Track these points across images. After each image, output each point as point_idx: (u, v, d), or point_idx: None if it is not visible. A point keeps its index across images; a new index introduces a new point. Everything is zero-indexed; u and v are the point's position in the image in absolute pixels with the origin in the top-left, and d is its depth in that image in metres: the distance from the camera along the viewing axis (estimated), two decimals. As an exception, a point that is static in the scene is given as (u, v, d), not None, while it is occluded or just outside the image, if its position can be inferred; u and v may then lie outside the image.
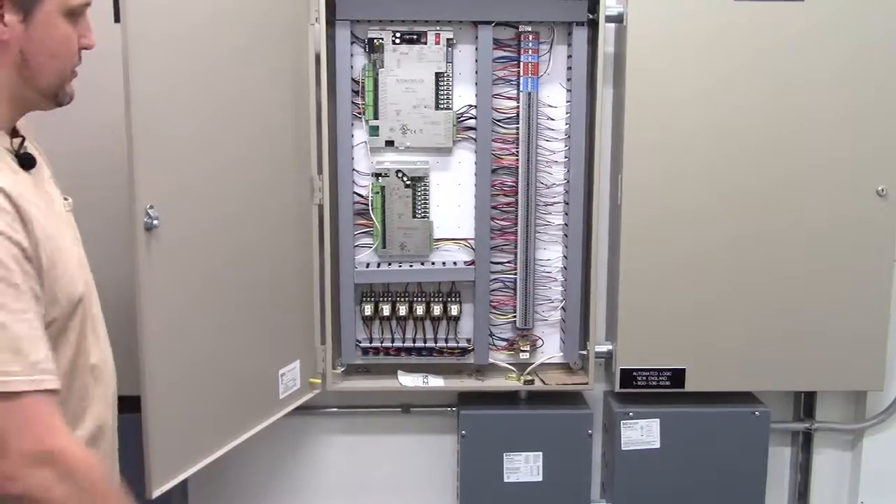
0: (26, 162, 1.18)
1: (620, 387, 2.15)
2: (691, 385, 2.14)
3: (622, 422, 2.16)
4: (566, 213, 2.17)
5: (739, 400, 2.21)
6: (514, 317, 2.21)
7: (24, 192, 1.11)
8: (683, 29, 2.02)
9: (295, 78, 2.00)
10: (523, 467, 2.18)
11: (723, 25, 2.02)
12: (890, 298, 2.13)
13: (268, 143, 1.91)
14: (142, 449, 1.59)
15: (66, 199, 1.32)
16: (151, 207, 1.56)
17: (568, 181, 2.15)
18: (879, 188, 2.07)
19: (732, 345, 2.13)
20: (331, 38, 2.05)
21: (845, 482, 2.38)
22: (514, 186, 2.15)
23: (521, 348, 2.22)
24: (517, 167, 2.13)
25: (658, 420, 2.17)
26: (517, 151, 2.13)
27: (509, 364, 2.24)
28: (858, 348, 2.13)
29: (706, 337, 2.13)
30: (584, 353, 2.20)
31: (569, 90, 2.13)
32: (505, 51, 2.11)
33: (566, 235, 2.17)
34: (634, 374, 2.14)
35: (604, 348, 2.20)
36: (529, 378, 2.21)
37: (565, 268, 2.19)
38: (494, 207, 2.16)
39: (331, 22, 2.04)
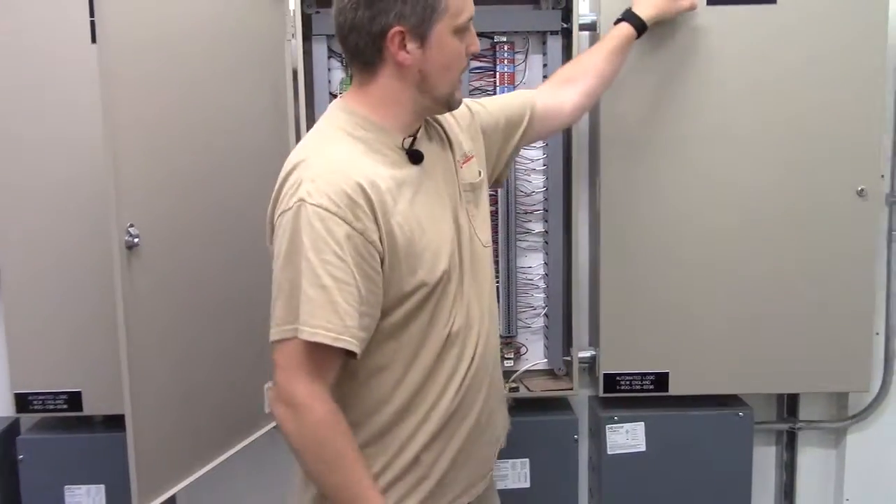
0: (414, 157, 1.37)
1: (604, 392, 2.16)
2: (675, 389, 2.15)
3: (607, 426, 2.18)
4: (546, 221, 2.18)
5: (723, 402, 2.22)
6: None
7: (390, 186, 1.29)
8: (656, 34, 2.02)
9: (273, 93, 2.01)
10: (511, 474, 2.19)
11: (697, 29, 2.03)
12: (873, 298, 2.14)
13: (247, 158, 1.91)
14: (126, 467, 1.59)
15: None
16: (132, 226, 1.57)
17: (547, 189, 2.17)
18: (859, 188, 2.07)
19: (715, 348, 2.14)
20: (307, 53, 2.06)
21: (831, 480, 2.40)
22: (493, 195, 2.16)
23: (505, 356, 2.22)
24: (496, 176, 2.15)
25: (643, 423, 2.18)
26: (496, 161, 2.14)
27: (494, 372, 2.24)
28: (842, 349, 2.13)
29: (689, 340, 2.14)
30: (568, 359, 2.21)
31: (545, 99, 2.14)
32: (481, 61, 2.12)
33: (547, 243, 2.18)
34: (618, 378, 2.15)
35: (587, 354, 2.22)
36: (514, 385, 2.21)
37: (547, 275, 2.20)
38: (475, 217, 2.17)
39: (307, 37, 2.05)
